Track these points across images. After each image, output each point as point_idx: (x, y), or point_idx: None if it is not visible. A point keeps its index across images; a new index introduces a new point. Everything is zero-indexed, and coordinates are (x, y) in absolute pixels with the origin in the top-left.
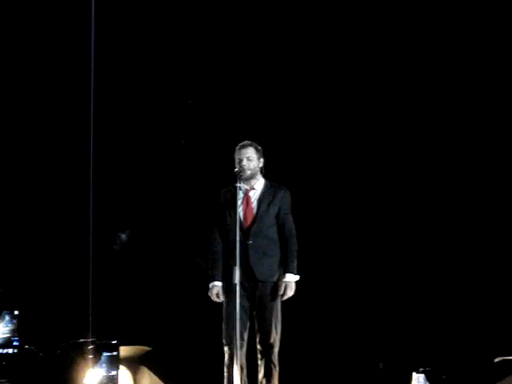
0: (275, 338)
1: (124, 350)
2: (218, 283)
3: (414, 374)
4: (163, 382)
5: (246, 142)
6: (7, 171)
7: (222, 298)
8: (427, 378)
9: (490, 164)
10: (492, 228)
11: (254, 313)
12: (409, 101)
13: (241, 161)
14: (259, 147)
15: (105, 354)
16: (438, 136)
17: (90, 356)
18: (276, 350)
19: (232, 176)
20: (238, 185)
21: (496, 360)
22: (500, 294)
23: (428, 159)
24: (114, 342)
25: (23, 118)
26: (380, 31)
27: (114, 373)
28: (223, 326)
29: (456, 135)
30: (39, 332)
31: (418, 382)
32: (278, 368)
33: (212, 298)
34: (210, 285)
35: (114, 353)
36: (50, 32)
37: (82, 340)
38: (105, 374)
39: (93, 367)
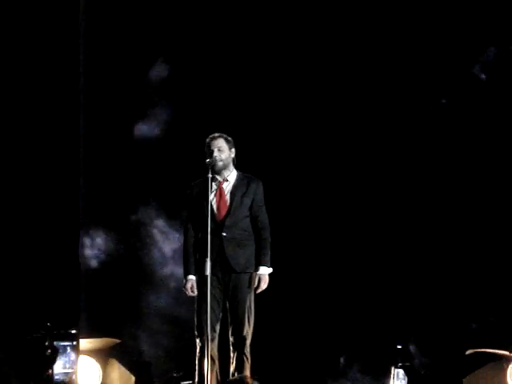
0: (248, 330)
1: (93, 342)
2: (192, 277)
3: (393, 369)
4: (132, 374)
5: (215, 133)
6: None
7: (196, 292)
8: (406, 373)
9: (482, 162)
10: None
11: (227, 305)
12: (385, 93)
13: (212, 152)
14: (229, 138)
15: (62, 344)
16: (419, 129)
17: (49, 351)
18: (248, 342)
19: (203, 168)
20: (210, 176)
21: (467, 352)
22: (472, 288)
23: (405, 149)
24: (73, 332)
25: None
26: (353, 28)
27: (72, 365)
28: (195, 318)
29: (441, 132)
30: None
31: (397, 377)
32: (250, 360)
33: (187, 293)
34: (184, 279)
35: (74, 342)
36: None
37: (39, 334)
38: (62, 366)
39: (52, 362)
